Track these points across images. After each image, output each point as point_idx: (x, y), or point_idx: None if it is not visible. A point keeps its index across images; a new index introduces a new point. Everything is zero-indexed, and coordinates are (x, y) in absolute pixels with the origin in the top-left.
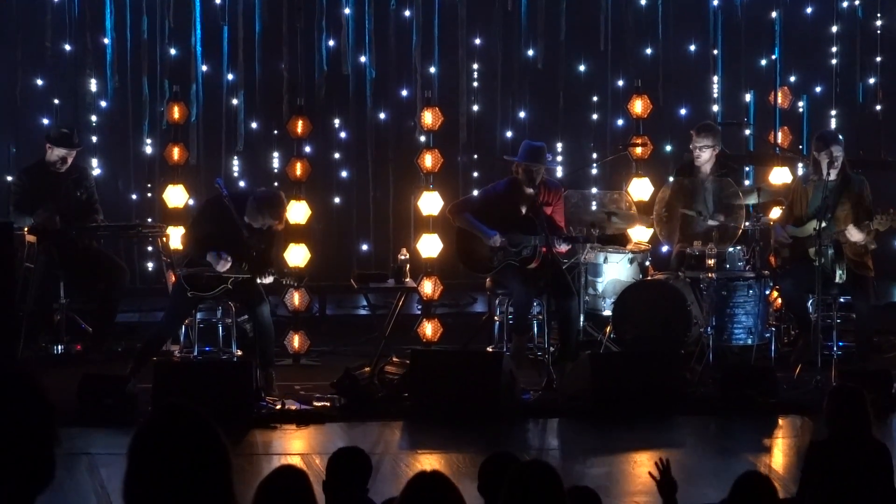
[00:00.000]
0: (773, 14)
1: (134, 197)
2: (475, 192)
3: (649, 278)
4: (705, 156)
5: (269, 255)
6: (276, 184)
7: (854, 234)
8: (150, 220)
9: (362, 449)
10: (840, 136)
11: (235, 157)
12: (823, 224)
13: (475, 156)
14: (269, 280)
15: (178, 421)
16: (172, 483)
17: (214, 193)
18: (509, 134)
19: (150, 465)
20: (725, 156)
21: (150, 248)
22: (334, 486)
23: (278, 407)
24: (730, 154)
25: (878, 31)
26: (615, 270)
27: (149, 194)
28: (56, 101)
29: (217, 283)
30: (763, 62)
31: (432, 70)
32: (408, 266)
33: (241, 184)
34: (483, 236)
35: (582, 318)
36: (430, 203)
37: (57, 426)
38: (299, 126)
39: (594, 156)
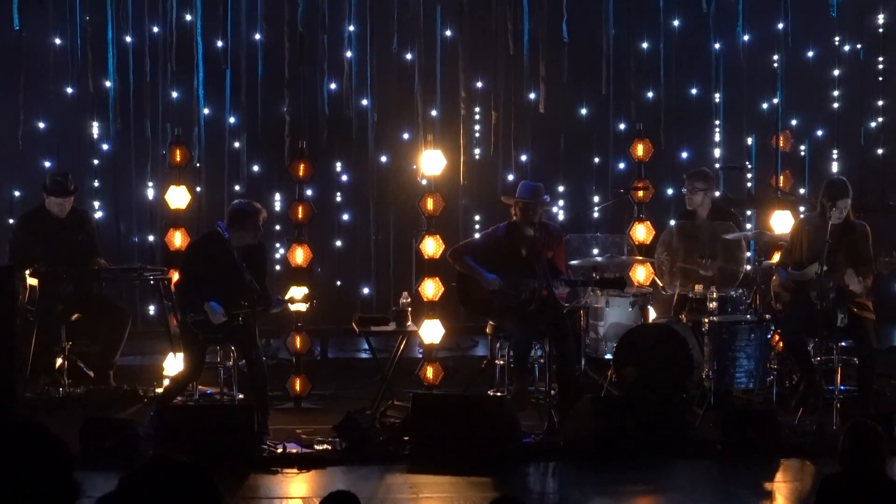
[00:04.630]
0: (775, 58)
1: (136, 240)
2: (477, 236)
3: (651, 322)
4: (697, 199)
5: (262, 282)
6: (277, 227)
7: (853, 283)
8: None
9: (353, 493)
10: (850, 188)
11: (237, 200)
12: (825, 268)
13: (476, 199)
14: (276, 310)
15: (164, 473)
16: None
17: (204, 233)
18: (511, 177)
19: None
20: (726, 200)
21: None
22: None
23: (279, 450)
24: (731, 198)
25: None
26: (616, 314)
27: (150, 237)
28: (58, 145)
29: (226, 323)
30: (765, 106)
31: (434, 113)
32: (409, 309)
33: None
34: (482, 280)
35: (583, 362)
36: (432, 246)
37: (72, 475)
38: (301, 169)
39: (595, 199)
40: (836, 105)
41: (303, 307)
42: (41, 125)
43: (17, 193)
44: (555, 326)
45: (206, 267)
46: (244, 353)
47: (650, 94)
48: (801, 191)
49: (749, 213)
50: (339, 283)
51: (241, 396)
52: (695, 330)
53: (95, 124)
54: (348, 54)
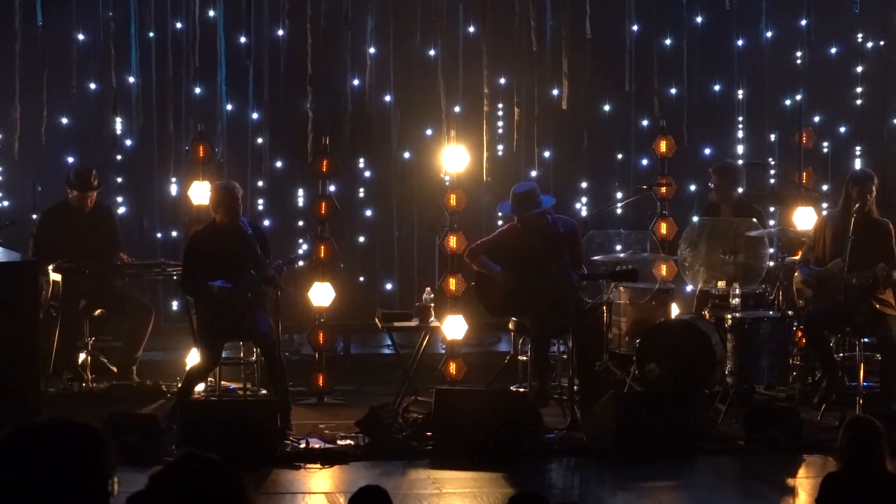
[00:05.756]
0: (798, 54)
1: (158, 235)
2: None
3: (673, 318)
4: (723, 193)
5: (266, 252)
6: (300, 223)
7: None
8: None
9: (383, 488)
10: (875, 177)
11: (260, 196)
12: (847, 264)
13: (499, 195)
14: (278, 272)
15: (194, 471)
16: None
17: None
18: (534, 173)
19: None
20: (749, 196)
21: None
22: None
23: (302, 445)
24: (754, 195)
25: None
26: (639, 310)
27: (173, 233)
28: (81, 140)
29: (238, 300)
30: (787, 102)
31: (457, 109)
32: (432, 305)
33: (266, 222)
34: (499, 277)
35: (605, 358)
36: (455, 242)
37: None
38: (324, 165)
39: (618, 195)
40: (858, 102)
41: (325, 303)
42: (64, 121)
43: (40, 189)
44: (574, 321)
45: (201, 256)
46: (259, 346)
47: (673, 91)
48: (824, 187)
49: (772, 209)
50: (361, 279)
51: (263, 392)
52: (717, 326)
53: (118, 120)
54: (371, 50)
